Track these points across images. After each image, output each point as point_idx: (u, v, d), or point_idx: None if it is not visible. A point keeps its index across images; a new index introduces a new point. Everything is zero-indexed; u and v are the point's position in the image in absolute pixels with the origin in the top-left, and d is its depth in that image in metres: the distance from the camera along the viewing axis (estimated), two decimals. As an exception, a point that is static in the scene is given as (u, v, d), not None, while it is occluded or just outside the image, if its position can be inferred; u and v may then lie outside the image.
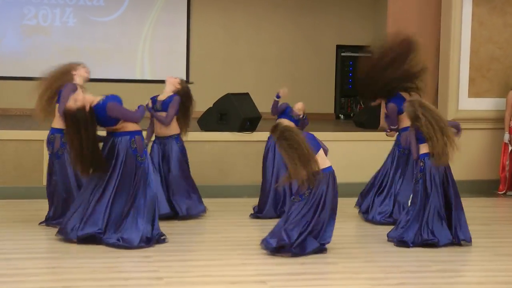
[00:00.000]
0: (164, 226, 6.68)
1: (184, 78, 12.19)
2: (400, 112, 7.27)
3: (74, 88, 6.69)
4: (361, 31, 12.54)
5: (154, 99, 7.48)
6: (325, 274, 5.68)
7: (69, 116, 6.10)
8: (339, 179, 8.32)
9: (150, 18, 12.24)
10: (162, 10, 12.24)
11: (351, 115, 12.04)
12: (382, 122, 7.54)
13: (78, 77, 7.02)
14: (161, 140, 7.40)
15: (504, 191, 9.27)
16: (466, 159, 9.10)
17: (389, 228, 6.81)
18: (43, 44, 11.89)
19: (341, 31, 12.56)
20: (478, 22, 9.20)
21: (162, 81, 11.98)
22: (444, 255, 6.22)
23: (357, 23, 12.58)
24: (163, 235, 6.36)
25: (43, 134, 8.37)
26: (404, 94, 7.48)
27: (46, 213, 7.04)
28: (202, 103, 9.98)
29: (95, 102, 6.21)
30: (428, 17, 9.39)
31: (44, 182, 8.23)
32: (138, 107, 6.50)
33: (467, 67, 9.17)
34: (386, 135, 7.66)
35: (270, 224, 6.44)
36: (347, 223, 7.39)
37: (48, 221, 6.93)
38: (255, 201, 7.70)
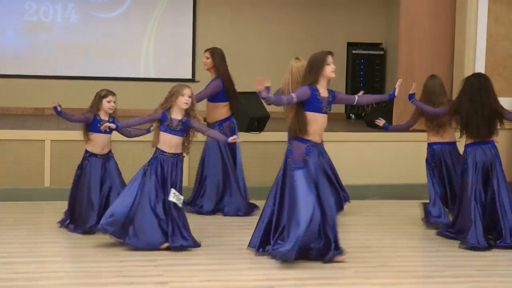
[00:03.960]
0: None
1: (190, 76, 12.09)
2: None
3: None
4: (373, 28, 12.41)
5: None
6: (335, 279, 5.54)
7: None
8: (350, 181, 8.23)
9: (155, 14, 12.15)
10: (168, 6, 12.14)
11: (363, 114, 11.89)
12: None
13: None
14: None
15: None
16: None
17: (393, 229, 6.64)
18: (44, 41, 11.79)
19: (352, 28, 12.44)
20: (494, 19, 9.08)
21: (167, 80, 11.95)
22: (458, 260, 6.11)
23: (368, 20, 12.45)
24: None
25: (45, 134, 8.31)
26: None
27: (46, 215, 6.94)
28: (209, 102, 9.84)
29: None
30: (442, 13, 9.29)
31: (46, 183, 8.15)
32: None
33: (483, 65, 9.05)
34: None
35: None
36: (358, 226, 7.28)
37: None
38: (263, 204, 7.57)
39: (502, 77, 9.13)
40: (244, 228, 7.08)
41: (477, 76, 6.62)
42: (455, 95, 9.36)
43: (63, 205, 6.91)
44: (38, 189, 8.12)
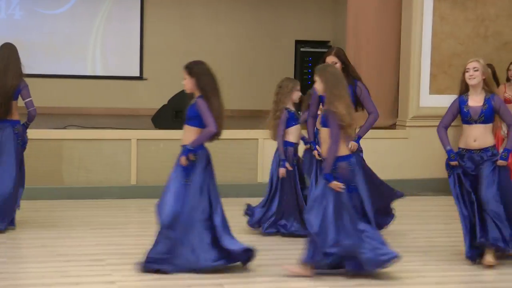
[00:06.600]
0: (120, 228, 6.56)
1: (138, 74, 12.00)
2: None
3: None
4: (321, 27, 12.52)
5: None
6: (283, 276, 5.54)
7: None
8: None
9: (102, 11, 12.03)
10: (115, 2, 12.05)
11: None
12: None
13: None
14: None
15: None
16: (427, 157, 9.09)
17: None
18: (-13, 37, 11.57)
19: (300, 26, 12.53)
20: (439, 17, 9.21)
21: (115, 77, 11.85)
22: (403, 256, 6.10)
23: (316, 18, 12.55)
24: None
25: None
26: None
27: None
28: (156, 100, 9.79)
29: None
30: (388, 12, 9.39)
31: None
32: None
33: (428, 63, 9.17)
34: None
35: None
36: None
37: None
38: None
39: (447, 75, 9.25)
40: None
41: None
42: (401, 92, 9.54)
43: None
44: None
